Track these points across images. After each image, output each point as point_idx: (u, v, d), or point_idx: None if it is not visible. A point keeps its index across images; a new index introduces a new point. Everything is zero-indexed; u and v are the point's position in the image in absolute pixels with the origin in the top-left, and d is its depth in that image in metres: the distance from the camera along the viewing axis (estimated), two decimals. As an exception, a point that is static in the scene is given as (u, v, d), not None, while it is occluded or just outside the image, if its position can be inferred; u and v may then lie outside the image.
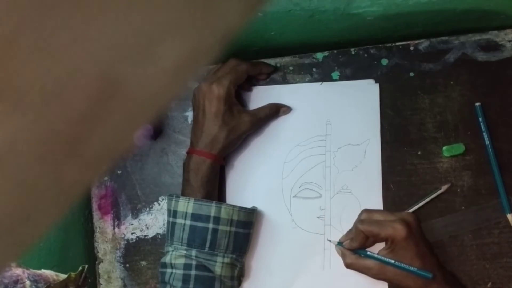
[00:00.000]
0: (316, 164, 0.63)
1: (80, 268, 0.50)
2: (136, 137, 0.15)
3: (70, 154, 0.13)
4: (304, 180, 0.63)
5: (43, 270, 0.47)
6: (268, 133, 0.64)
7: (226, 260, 0.58)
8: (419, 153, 0.62)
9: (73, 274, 0.48)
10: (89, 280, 0.51)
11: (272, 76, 0.65)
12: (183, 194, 0.59)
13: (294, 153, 0.64)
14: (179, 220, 0.57)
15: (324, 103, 0.64)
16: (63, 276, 0.48)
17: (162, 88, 0.14)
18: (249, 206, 0.61)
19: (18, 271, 0.45)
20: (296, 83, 0.65)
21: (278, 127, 0.64)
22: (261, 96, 0.65)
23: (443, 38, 0.63)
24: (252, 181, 0.64)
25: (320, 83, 0.64)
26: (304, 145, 0.64)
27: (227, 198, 0.64)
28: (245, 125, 0.60)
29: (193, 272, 0.57)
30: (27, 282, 0.44)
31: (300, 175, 0.63)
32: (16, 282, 0.44)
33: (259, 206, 0.63)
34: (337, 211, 0.62)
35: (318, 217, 0.63)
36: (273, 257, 0.63)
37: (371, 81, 0.63)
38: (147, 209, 0.66)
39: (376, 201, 0.62)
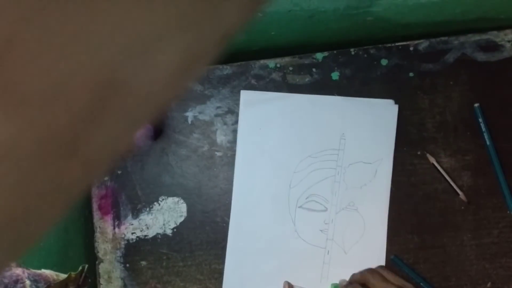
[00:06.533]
0: (326, 177, 0.62)
1: (80, 268, 0.50)
2: (136, 138, 0.15)
3: (70, 154, 0.13)
4: (311, 192, 0.63)
5: (43, 270, 0.47)
6: (281, 140, 0.64)
7: None
8: (418, 153, 0.62)
9: (73, 274, 0.48)
10: (89, 280, 0.51)
11: (272, 76, 0.65)
12: None
13: (305, 163, 0.63)
14: None
15: (341, 118, 0.63)
16: (63, 276, 0.48)
17: (162, 88, 0.14)
18: (253, 210, 0.61)
19: (18, 271, 0.45)
20: (296, 83, 0.65)
21: (292, 136, 0.63)
22: (279, 104, 0.64)
23: (443, 38, 0.63)
24: (259, 186, 0.63)
25: (338, 96, 0.63)
26: (316, 157, 0.63)
27: (233, 200, 0.64)
28: None
29: None
30: (27, 282, 0.44)
31: (308, 186, 0.63)
32: (16, 282, 0.44)
33: (264, 211, 0.63)
34: (341, 227, 0.62)
35: (321, 230, 0.62)
36: (272, 265, 0.63)
37: (391, 102, 0.63)
38: (147, 209, 0.66)
39: (381, 222, 0.61)
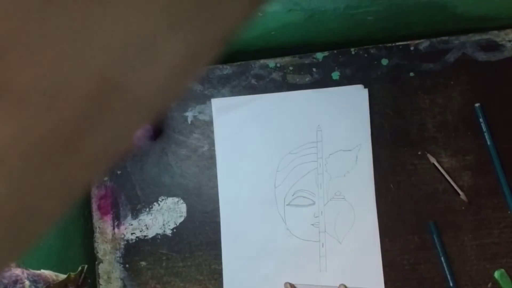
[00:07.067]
0: (309, 171, 0.63)
1: (80, 268, 0.50)
2: (136, 138, 0.15)
3: (70, 154, 0.13)
4: (297, 188, 0.63)
5: (42, 270, 0.47)
6: (259, 142, 0.64)
7: None
8: (419, 153, 0.62)
9: (72, 274, 0.48)
10: (89, 281, 0.51)
11: (272, 76, 0.65)
12: None
13: (286, 161, 0.64)
14: None
15: (314, 110, 0.64)
16: (62, 276, 0.48)
17: (162, 88, 0.14)
18: (242, 216, 0.61)
19: (17, 271, 0.45)
20: (296, 83, 0.65)
21: (270, 136, 0.64)
22: (251, 106, 0.64)
23: (443, 38, 0.63)
24: (245, 190, 0.64)
25: (308, 90, 0.64)
26: (296, 152, 0.64)
27: (220, 209, 0.64)
28: None
29: None
30: (27, 282, 0.44)
31: (293, 183, 0.63)
32: (16, 282, 0.44)
33: (253, 215, 0.63)
34: (331, 218, 0.62)
35: (312, 224, 0.63)
36: (269, 267, 0.63)
37: (360, 87, 0.63)
38: (147, 209, 0.66)
39: (369, 206, 0.62)
